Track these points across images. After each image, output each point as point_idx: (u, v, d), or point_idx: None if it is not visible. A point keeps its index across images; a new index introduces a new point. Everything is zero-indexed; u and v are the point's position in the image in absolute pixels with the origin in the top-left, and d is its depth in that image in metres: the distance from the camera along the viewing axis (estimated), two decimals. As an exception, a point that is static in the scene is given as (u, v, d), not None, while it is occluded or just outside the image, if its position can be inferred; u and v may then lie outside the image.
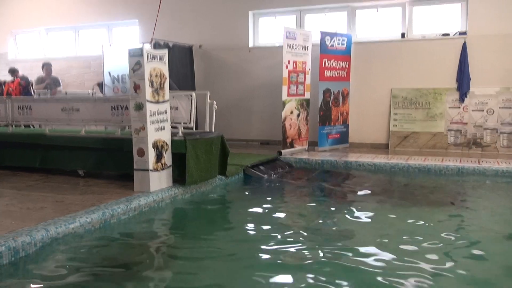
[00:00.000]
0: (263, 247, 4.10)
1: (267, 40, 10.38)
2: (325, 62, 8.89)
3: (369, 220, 4.89)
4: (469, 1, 8.73)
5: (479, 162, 7.44)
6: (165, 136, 5.61)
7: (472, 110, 8.79)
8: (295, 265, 3.71)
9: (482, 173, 7.02)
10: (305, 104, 8.89)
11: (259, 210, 5.45)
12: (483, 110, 8.72)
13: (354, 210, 5.36)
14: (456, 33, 8.94)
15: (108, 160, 6.35)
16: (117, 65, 9.38)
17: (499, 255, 3.92)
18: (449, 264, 3.66)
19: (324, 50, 8.84)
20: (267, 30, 10.43)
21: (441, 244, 4.10)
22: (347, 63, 9.29)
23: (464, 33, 8.82)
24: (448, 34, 9.01)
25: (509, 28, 8.45)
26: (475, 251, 3.99)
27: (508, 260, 3.84)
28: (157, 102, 5.47)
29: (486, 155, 8.32)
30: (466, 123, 8.83)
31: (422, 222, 4.75)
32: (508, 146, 8.57)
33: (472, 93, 8.76)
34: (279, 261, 3.75)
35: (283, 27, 8.49)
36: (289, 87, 8.49)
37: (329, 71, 8.98)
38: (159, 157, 5.51)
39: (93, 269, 3.63)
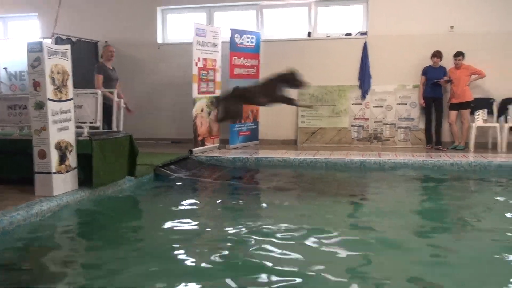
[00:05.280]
0: (174, 247, 4.06)
1: (177, 37, 10.25)
2: (235, 59, 8.95)
3: (278, 214, 5.01)
4: (370, 3, 9.25)
5: (379, 156, 7.93)
6: (69, 137, 5.35)
7: (373, 107, 9.34)
8: (203, 264, 3.71)
9: (382, 166, 7.50)
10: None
11: (170, 210, 5.38)
12: (382, 107, 9.31)
13: (264, 205, 5.48)
14: (357, 33, 9.44)
15: (5, 163, 5.89)
16: (14, 60, 8.78)
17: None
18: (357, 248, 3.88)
19: (233, 47, 8.90)
20: (177, 26, 10.30)
21: (344, 233, 4.34)
22: (257, 61, 9.43)
23: (365, 33, 9.34)
24: (350, 34, 9.48)
25: (406, 29, 9.07)
26: (375, 238, 4.26)
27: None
28: (60, 100, 5.20)
29: (386, 149, 8.89)
30: (368, 119, 9.36)
31: (328, 213, 4.97)
32: (405, 140, 9.22)
33: (373, 90, 9.30)
34: (189, 262, 3.74)
35: (193, 23, 8.42)
36: (199, 85, 8.45)
37: (239, 69, 9.06)
38: (62, 158, 5.24)
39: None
